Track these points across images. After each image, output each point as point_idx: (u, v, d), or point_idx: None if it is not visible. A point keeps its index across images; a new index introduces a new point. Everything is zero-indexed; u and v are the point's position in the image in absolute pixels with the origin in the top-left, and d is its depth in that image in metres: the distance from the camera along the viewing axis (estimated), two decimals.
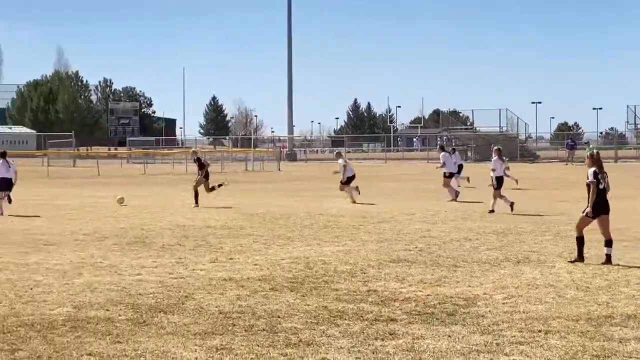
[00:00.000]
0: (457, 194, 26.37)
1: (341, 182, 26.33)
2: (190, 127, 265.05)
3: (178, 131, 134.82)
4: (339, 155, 27.82)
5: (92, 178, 44.65)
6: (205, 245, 14.78)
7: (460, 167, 30.61)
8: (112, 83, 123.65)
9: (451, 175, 27.50)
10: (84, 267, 12.08)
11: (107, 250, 13.99)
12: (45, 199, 27.15)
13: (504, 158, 23.32)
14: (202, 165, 24.86)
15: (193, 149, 30.58)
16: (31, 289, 10.26)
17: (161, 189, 34.34)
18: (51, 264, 12.34)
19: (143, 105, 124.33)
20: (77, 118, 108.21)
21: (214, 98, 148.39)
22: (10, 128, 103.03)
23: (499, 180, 22.06)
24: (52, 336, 7.85)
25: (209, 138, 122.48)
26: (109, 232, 16.84)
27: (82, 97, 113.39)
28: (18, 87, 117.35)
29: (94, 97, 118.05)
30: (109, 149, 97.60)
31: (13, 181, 21.69)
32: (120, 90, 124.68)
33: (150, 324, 8.40)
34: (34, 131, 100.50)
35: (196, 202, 23.68)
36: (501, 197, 21.83)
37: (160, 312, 8.99)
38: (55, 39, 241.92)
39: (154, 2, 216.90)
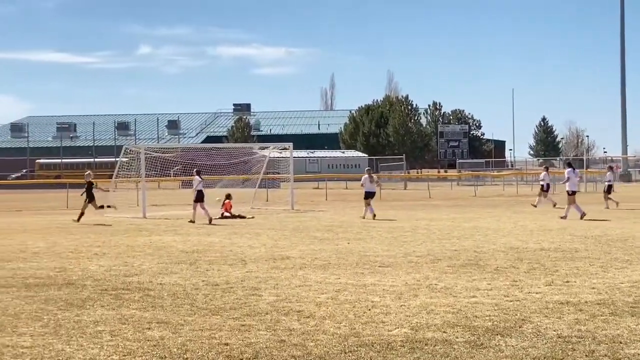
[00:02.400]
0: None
1: None
2: (519, 148, 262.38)
3: (507, 153, 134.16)
4: None
5: (423, 200, 45.71)
6: (539, 268, 14.55)
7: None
8: (442, 106, 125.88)
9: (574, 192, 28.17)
10: (419, 289, 12.37)
11: (441, 272, 14.22)
12: (378, 221, 28.22)
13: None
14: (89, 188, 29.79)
15: (88, 172, 32.65)
16: (369, 309, 10.63)
17: (492, 210, 34.31)
18: (387, 286, 12.73)
19: (472, 128, 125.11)
20: (407, 141, 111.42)
21: (543, 119, 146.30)
22: (343, 152, 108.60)
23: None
24: (392, 357, 8.08)
25: (539, 159, 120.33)
26: (442, 254, 17.10)
27: (412, 120, 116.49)
28: (350, 112, 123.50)
29: (423, 121, 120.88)
30: (439, 171, 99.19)
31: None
32: (450, 113, 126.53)
33: (488, 347, 8.43)
34: (366, 155, 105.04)
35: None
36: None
37: (497, 335, 8.99)
38: (385, 64, 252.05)
39: (477, 25, 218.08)
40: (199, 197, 29.02)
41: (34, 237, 22.68)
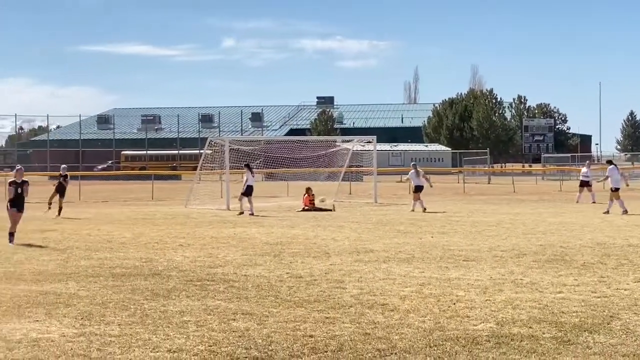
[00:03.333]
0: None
1: None
2: (606, 143, 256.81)
3: (594, 147, 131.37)
4: None
5: (507, 195, 45.18)
6: (628, 264, 14.25)
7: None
8: (526, 100, 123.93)
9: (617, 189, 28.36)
10: (504, 284, 12.25)
11: (526, 267, 14.06)
12: (461, 215, 28.04)
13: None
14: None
15: (63, 166, 31.74)
16: (454, 303, 10.59)
17: (578, 205, 33.71)
18: (472, 280, 12.66)
19: (557, 122, 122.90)
20: (491, 135, 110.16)
21: (631, 113, 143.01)
22: (426, 146, 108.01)
23: None
24: (477, 352, 8.03)
25: (626, 154, 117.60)
26: (527, 249, 16.92)
27: (496, 114, 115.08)
28: (434, 105, 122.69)
29: (507, 114, 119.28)
30: (523, 166, 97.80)
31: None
32: (535, 107, 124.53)
33: (576, 344, 8.30)
34: (449, 148, 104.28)
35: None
36: None
37: (585, 331, 8.85)
38: (469, 57, 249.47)
39: (563, 18, 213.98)
40: (248, 192, 29.66)
41: (120, 228, 23.21)
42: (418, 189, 30.98)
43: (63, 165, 31.65)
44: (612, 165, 29.24)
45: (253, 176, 30.44)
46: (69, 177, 30.61)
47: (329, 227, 23.33)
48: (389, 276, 13.12)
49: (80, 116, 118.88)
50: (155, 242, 19.09)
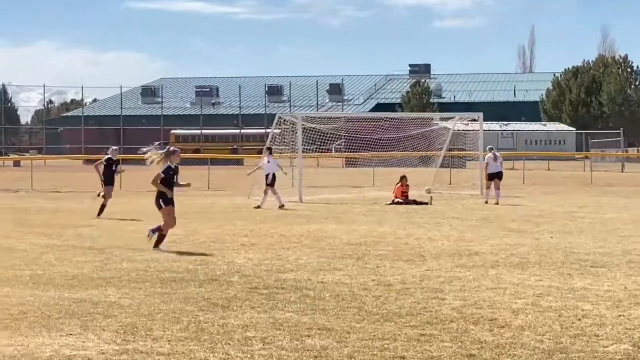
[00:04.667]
0: None
1: None
2: None
3: None
4: None
5: None
6: None
7: None
8: None
9: None
10: None
11: None
12: (588, 211, 27.67)
13: None
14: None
15: (112, 147, 29.27)
16: (579, 319, 10.47)
17: None
18: (601, 291, 12.49)
19: None
20: (625, 112, 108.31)
21: None
22: (544, 125, 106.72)
23: None
24: None
25: None
26: None
27: (633, 86, 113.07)
28: (554, 75, 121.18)
29: None
30: None
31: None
32: None
33: None
34: (573, 128, 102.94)
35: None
36: None
37: None
38: (599, 17, 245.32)
39: None
40: (273, 181, 30.09)
41: None
42: (494, 175, 31.61)
43: (113, 147, 29.47)
44: None
45: (269, 162, 30.49)
46: (120, 163, 29.04)
47: (425, 224, 23.27)
48: (498, 285, 13.04)
49: (121, 87, 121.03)
50: (212, 240, 19.28)
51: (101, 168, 27.12)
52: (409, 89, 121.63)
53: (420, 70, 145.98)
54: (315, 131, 43.32)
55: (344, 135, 50.14)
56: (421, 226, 22.53)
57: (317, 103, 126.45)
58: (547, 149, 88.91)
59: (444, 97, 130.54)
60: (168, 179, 18.31)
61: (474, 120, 43.79)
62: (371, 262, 15.60)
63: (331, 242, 18.94)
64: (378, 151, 48.31)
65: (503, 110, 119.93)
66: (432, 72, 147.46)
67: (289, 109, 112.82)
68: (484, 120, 42.27)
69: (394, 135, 45.81)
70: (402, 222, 23.90)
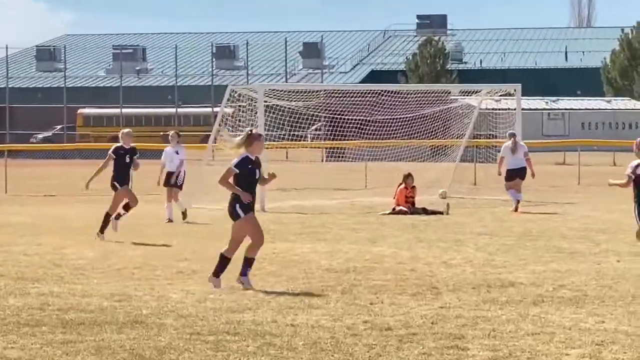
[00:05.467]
0: None
1: None
2: None
3: None
4: None
5: None
6: None
7: None
8: None
9: None
10: None
11: None
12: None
13: None
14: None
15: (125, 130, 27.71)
16: None
17: None
18: None
19: None
20: None
21: None
22: (609, 101, 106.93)
23: None
24: None
25: None
26: None
27: None
28: (622, 31, 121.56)
29: None
30: None
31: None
32: None
33: None
34: None
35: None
36: None
37: None
38: None
39: None
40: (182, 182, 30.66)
41: (77, 242, 23.45)
42: (515, 173, 32.01)
43: (124, 130, 27.61)
44: None
45: (179, 154, 30.37)
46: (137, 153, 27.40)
47: (439, 242, 23.30)
48: (542, 329, 13.10)
49: (7, 48, 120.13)
50: (136, 267, 19.26)
51: (110, 164, 26.55)
52: (417, 51, 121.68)
53: (433, 23, 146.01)
54: (284, 110, 43.26)
55: (325, 117, 50.15)
56: (434, 245, 22.54)
57: (286, 71, 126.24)
58: (613, 135, 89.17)
59: (466, 63, 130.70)
60: (246, 176, 17.22)
61: (509, 94, 43.89)
62: (362, 297, 15.62)
63: (306, 268, 18.95)
64: (372, 139, 48.23)
65: (550, 80, 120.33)
66: (449, 27, 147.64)
67: (245, 80, 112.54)
68: (524, 94, 42.42)
69: (394, 117, 45.76)
70: (406, 239, 23.92)
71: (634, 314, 14.15)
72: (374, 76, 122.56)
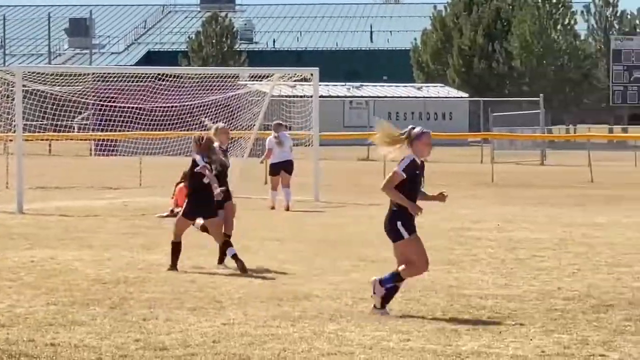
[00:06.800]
0: None
1: None
2: None
3: None
4: None
5: (578, 186, 45.78)
6: None
7: None
8: (618, 3, 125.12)
9: None
10: None
11: (614, 333, 14.29)
12: (486, 227, 28.17)
13: None
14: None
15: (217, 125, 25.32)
16: None
17: None
18: (504, 356, 12.88)
19: None
20: (547, 68, 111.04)
21: None
22: (419, 88, 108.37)
23: None
24: None
25: None
26: (617, 295, 17.36)
27: (558, 27, 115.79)
28: (434, 8, 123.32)
29: (581, 30, 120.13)
30: (612, 130, 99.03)
31: None
32: (634, 13, 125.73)
33: None
34: (465, 94, 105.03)
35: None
36: None
37: None
38: None
39: None
40: None
41: None
42: (278, 168, 33.42)
43: (218, 125, 25.58)
44: None
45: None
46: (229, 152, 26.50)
47: (210, 249, 23.34)
48: (340, 348, 13.26)
49: None
50: None
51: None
52: (200, 29, 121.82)
53: None
54: (47, 96, 42.90)
55: (94, 104, 49.85)
56: (215, 252, 22.59)
57: (50, 51, 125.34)
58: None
59: (257, 43, 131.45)
60: (411, 182, 15.97)
61: (305, 79, 44.19)
62: (134, 312, 15.61)
63: (69, 278, 18.84)
64: (149, 130, 48.14)
65: (353, 64, 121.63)
66: (237, 1, 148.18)
67: (2, 60, 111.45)
68: (322, 80, 42.70)
69: (174, 105, 45.75)
70: (187, 244, 23.94)
71: (442, 330, 14.36)
72: (151, 57, 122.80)
